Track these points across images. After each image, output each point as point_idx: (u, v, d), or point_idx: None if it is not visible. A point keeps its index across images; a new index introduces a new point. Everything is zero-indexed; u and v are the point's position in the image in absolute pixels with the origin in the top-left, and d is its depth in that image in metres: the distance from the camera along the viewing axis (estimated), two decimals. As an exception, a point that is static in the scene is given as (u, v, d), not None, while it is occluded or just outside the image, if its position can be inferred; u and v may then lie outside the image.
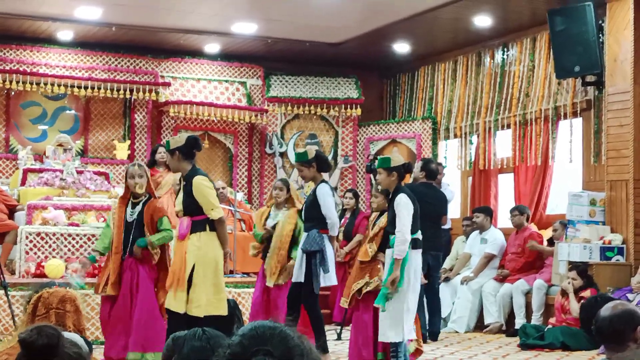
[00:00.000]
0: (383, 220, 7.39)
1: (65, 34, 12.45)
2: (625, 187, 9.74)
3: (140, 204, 7.35)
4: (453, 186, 12.36)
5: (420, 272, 7.14)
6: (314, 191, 7.98)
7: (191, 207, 6.97)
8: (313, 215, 7.93)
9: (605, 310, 3.76)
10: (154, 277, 7.29)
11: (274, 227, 8.42)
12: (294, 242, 8.34)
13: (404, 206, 6.89)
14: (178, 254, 7.02)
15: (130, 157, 12.64)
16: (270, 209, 8.54)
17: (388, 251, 7.05)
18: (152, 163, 11.51)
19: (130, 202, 7.41)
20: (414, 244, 6.95)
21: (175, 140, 7.14)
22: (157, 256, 7.27)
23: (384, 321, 6.90)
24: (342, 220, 10.93)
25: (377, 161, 7.39)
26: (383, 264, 7.34)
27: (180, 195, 7.17)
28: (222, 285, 7.07)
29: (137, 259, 7.26)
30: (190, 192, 6.96)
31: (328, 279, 7.94)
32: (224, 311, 6.92)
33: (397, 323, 6.89)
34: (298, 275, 7.94)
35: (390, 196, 7.07)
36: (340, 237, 10.82)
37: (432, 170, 9.68)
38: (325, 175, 13.02)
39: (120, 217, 7.38)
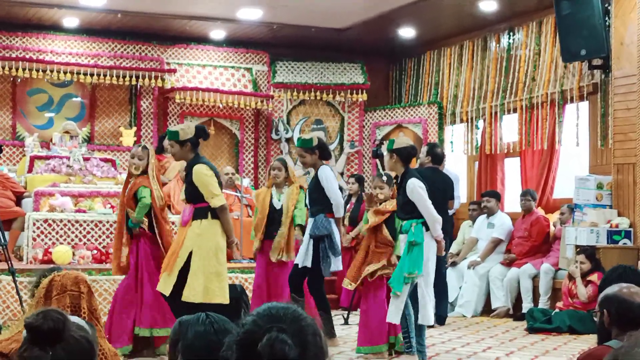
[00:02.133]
0: (388, 206, 7.40)
1: (70, 21, 12.44)
2: (632, 170, 9.72)
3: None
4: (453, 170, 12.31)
5: (435, 256, 7.16)
6: (316, 175, 8.00)
7: (193, 195, 6.98)
8: (318, 199, 7.95)
9: (636, 297, 3.70)
10: (159, 255, 7.28)
11: (279, 208, 8.39)
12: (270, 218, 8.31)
13: (420, 189, 6.89)
14: (178, 239, 7.04)
15: (137, 144, 12.64)
16: (271, 189, 8.49)
17: (402, 237, 7.05)
18: (160, 149, 11.54)
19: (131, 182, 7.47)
20: (427, 227, 6.96)
21: (185, 132, 7.12)
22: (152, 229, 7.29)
23: (396, 304, 6.91)
24: (348, 205, 10.94)
25: (383, 146, 7.41)
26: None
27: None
28: (224, 274, 7.02)
29: (138, 240, 7.30)
30: (191, 180, 6.98)
31: (335, 264, 7.96)
32: (224, 299, 6.89)
33: (422, 307, 6.91)
34: (304, 259, 7.95)
35: (399, 180, 7.06)
36: (346, 222, 10.84)
37: (437, 154, 9.67)
38: (331, 160, 13.11)
39: (122, 199, 7.44)
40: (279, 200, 8.36)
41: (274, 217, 8.33)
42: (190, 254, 6.91)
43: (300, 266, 7.99)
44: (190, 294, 6.84)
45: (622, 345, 1.27)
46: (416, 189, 6.88)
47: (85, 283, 3.60)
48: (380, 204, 7.43)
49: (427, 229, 6.93)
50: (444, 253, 7.36)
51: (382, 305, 7.35)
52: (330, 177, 7.99)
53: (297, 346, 1.69)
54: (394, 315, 6.92)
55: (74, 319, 2.39)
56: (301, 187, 8.34)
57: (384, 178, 7.47)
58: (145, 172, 7.38)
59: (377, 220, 7.34)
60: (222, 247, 7.04)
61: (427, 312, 6.99)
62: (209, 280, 6.91)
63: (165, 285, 6.92)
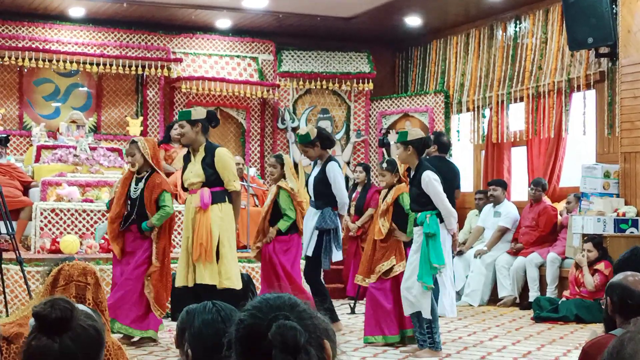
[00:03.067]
0: (390, 196, 7.40)
1: (76, 11, 12.44)
2: (639, 158, 9.70)
3: (143, 179, 7.36)
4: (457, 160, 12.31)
5: (450, 247, 7.18)
6: (324, 169, 8.01)
7: (212, 178, 7.00)
8: (324, 193, 8.00)
9: (634, 283, 3.73)
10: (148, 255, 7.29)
11: None
12: (276, 214, 8.19)
13: (436, 182, 6.89)
14: (201, 225, 6.99)
15: (144, 134, 12.66)
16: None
17: (416, 229, 7.03)
18: (167, 139, 11.55)
19: (135, 177, 7.44)
20: (442, 218, 6.96)
21: (197, 112, 7.15)
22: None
23: (422, 298, 6.90)
24: (354, 194, 10.95)
25: (390, 135, 7.43)
26: (403, 242, 7.39)
27: (193, 167, 7.17)
28: (237, 259, 7.14)
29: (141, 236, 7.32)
30: (212, 163, 6.98)
31: (337, 255, 8.06)
32: (241, 285, 6.99)
33: (428, 301, 6.92)
34: (307, 249, 8.03)
35: (414, 173, 7.04)
36: (352, 211, 10.86)
37: (444, 143, 9.67)
38: (338, 150, 13.12)
39: (122, 191, 7.39)
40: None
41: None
42: (218, 239, 6.95)
43: (310, 256, 8.08)
44: (226, 280, 6.87)
45: (628, 330, 1.27)
46: (432, 181, 6.87)
47: (94, 275, 3.60)
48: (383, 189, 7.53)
49: (442, 220, 6.93)
50: (457, 248, 7.36)
51: (387, 294, 7.36)
52: (339, 175, 8.04)
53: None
54: (426, 309, 6.90)
55: (82, 307, 2.40)
56: (282, 189, 8.17)
57: (384, 165, 7.50)
58: (151, 168, 7.34)
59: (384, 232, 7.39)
60: (235, 232, 7.12)
61: (448, 304, 7.02)
62: (235, 264, 7.00)
63: (211, 276, 6.91)
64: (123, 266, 7.33)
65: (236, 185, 7.03)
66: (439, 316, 7.14)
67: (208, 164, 7.02)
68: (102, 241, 9.71)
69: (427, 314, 6.89)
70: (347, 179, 8.34)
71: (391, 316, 7.38)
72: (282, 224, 8.05)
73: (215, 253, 6.93)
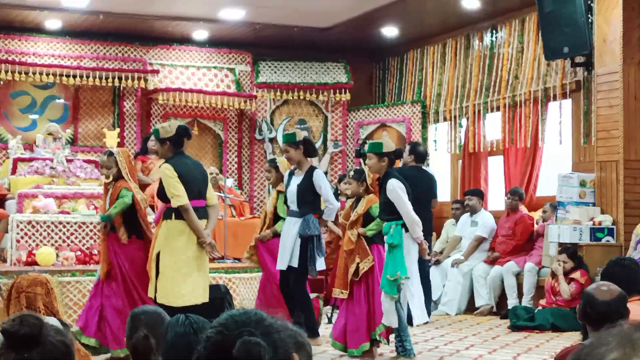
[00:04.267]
0: (361, 206, 7.42)
1: (53, 23, 12.40)
2: (615, 167, 9.76)
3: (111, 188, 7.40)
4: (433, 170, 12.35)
5: (417, 255, 7.19)
6: (309, 177, 8.00)
7: (161, 194, 7.00)
8: (308, 200, 7.98)
9: (603, 295, 3.77)
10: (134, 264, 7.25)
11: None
12: (277, 220, 8.36)
13: (400, 190, 6.92)
14: (152, 240, 7.07)
15: (121, 145, 12.60)
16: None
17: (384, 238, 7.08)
18: (144, 150, 11.52)
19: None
20: (407, 229, 6.98)
21: (166, 130, 7.10)
22: (124, 236, 7.23)
23: (390, 307, 6.94)
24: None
25: (367, 145, 7.43)
26: (368, 239, 7.41)
27: None
28: (189, 276, 6.91)
29: (118, 245, 7.26)
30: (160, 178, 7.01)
31: (320, 263, 8.03)
32: (197, 299, 6.86)
33: (394, 310, 6.94)
34: (290, 260, 7.98)
35: (381, 182, 7.09)
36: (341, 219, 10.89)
37: (420, 152, 9.71)
38: (315, 161, 13.12)
39: (103, 206, 7.42)
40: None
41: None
42: (159, 255, 6.90)
43: (284, 270, 8.02)
44: (162, 297, 6.81)
45: (586, 345, 1.28)
46: (395, 189, 6.90)
47: (44, 284, 3.64)
48: (347, 199, 7.58)
49: (407, 230, 6.95)
50: (427, 256, 7.36)
51: (362, 303, 7.36)
52: (327, 182, 8.08)
53: (269, 346, 1.70)
54: (393, 318, 6.93)
55: (52, 321, 2.39)
56: (281, 192, 8.31)
57: (351, 174, 7.58)
58: (120, 177, 7.34)
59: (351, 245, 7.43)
60: (191, 247, 6.96)
61: (417, 311, 7.04)
62: (176, 282, 6.84)
63: (150, 290, 6.92)
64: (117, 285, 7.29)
65: (174, 202, 6.84)
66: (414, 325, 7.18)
67: (160, 179, 7.02)
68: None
69: (392, 323, 6.93)
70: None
71: (361, 328, 7.35)
72: (281, 226, 8.14)
73: (154, 268, 6.90)
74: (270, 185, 8.50)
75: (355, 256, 7.36)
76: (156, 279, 6.86)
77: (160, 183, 6.97)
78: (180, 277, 6.85)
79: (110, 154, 7.37)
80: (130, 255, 7.28)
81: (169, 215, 6.93)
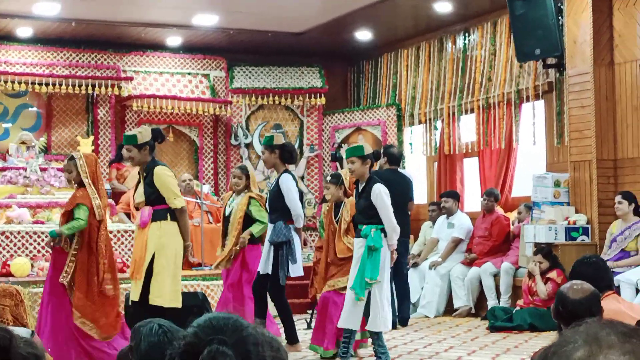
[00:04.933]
0: (347, 213, 7.43)
1: (24, 31, 12.32)
2: (589, 167, 9.83)
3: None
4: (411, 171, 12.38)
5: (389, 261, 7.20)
6: (277, 182, 7.98)
7: (152, 197, 6.95)
8: (277, 206, 7.91)
9: (575, 293, 3.81)
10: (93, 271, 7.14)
11: (228, 216, 8.35)
12: (248, 226, 8.23)
13: (386, 196, 6.95)
14: (139, 242, 6.99)
15: (95, 152, 12.55)
16: (233, 195, 8.50)
17: (357, 241, 7.07)
18: (119, 158, 11.42)
19: None
20: (385, 234, 7.00)
21: (143, 135, 7.10)
22: (68, 248, 7.07)
23: (354, 309, 6.95)
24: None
25: (345, 150, 7.43)
26: None
27: (140, 187, 7.15)
28: (179, 278, 7.06)
29: (53, 256, 7.15)
30: (151, 182, 6.95)
31: (296, 269, 7.95)
32: (179, 304, 6.91)
33: (377, 313, 6.95)
34: (265, 267, 7.93)
35: (364, 185, 7.08)
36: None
37: (394, 154, 9.74)
38: (291, 165, 13.09)
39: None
40: (229, 207, 8.35)
41: (226, 225, 8.34)
42: (153, 256, 6.88)
43: (261, 273, 7.98)
44: (158, 298, 6.80)
45: (553, 344, 1.28)
46: (381, 195, 6.93)
47: (13, 296, 3.60)
48: (324, 203, 7.56)
49: (385, 235, 6.97)
50: (393, 260, 7.34)
51: (339, 307, 7.36)
52: (292, 187, 7.93)
53: (239, 357, 1.69)
54: (352, 320, 6.95)
55: (22, 333, 2.37)
56: (252, 198, 8.24)
57: (328, 178, 7.58)
58: (81, 183, 7.23)
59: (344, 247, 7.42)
60: (180, 251, 7.02)
61: (386, 318, 7.03)
62: (172, 283, 6.90)
63: (134, 292, 6.90)
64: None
65: (177, 203, 6.95)
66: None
67: (148, 183, 6.99)
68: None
69: (352, 325, 6.94)
70: (301, 194, 8.26)
71: (335, 330, 7.38)
72: (256, 228, 8.09)
73: (145, 270, 6.87)
74: (236, 192, 8.38)
75: (347, 271, 7.35)
76: (148, 280, 6.83)
77: (150, 185, 6.94)
78: (177, 279, 6.91)
79: (71, 158, 7.28)
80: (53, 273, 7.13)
81: (163, 216, 6.93)
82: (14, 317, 3.56)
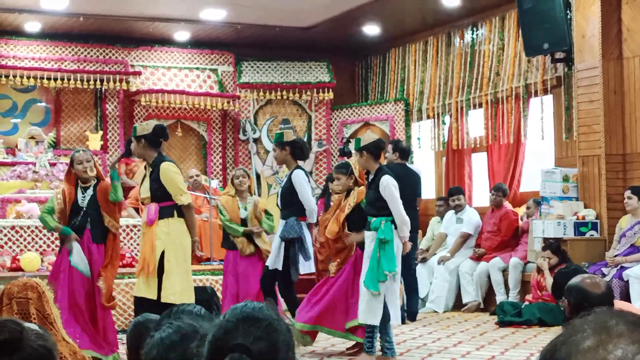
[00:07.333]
0: (352, 198, 7.42)
1: (32, 26, 12.34)
2: (597, 162, 9.81)
3: (91, 187, 7.13)
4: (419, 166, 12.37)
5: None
6: (289, 178, 7.99)
7: (158, 193, 6.95)
8: (290, 202, 7.93)
9: (594, 287, 3.81)
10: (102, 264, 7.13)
11: (245, 218, 8.43)
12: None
13: (394, 188, 6.93)
14: (147, 240, 6.98)
15: (104, 148, 12.59)
16: (237, 199, 8.49)
17: (368, 234, 7.05)
18: (128, 153, 11.45)
19: (79, 187, 7.22)
20: (396, 226, 6.99)
21: (143, 127, 7.10)
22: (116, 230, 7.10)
23: (374, 304, 6.93)
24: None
25: (352, 144, 7.45)
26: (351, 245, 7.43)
27: (146, 183, 7.13)
28: (190, 273, 7.08)
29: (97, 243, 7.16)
30: (157, 178, 6.95)
31: (308, 266, 7.95)
32: (193, 299, 6.92)
33: (378, 307, 6.95)
34: (275, 262, 7.94)
35: (373, 176, 7.08)
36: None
37: (404, 149, 9.73)
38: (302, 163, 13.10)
39: (69, 203, 7.19)
40: (245, 210, 8.41)
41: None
42: (162, 253, 6.89)
43: (270, 268, 7.99)
44: (170, 295, 6.81)
45: (561, 333, 1.28)
46: (389, 187, 6.91)
47: (35, 289, 3.61)
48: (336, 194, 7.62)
49: (396, 227, 6.96)
50: (406, 252, 7.35)
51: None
52: (304, 182, 7.96)
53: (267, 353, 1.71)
54: (371, 315, 6.92)
55: (32, 326, 2.37)
56: (268, 213, 8.50)
57: (340, 169, 7.58)
58: (97, 176, 7.20)
59: (336, 229, 7.45)
60: (189, 246, 7.05)
61: (396, 310, 7.03)
62: (183, 279, 6.91)
63: (149, 289, 6.86)
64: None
65: (183, 199, 6.94)
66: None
67: (154, 179, 6.98)
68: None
69: (372, 321, 6.92)
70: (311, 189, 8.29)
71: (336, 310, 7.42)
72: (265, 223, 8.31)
73: (157, 268, 6.87)
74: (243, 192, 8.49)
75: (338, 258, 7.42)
76: (159, 278, 6.84)
77: (157, 182, 6.93)
78: (188, 274, 6.94)
79: (85, 150, 7.25)
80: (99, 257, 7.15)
81: (170, 213, 6.94)
82: (37, 310, 3.56)
